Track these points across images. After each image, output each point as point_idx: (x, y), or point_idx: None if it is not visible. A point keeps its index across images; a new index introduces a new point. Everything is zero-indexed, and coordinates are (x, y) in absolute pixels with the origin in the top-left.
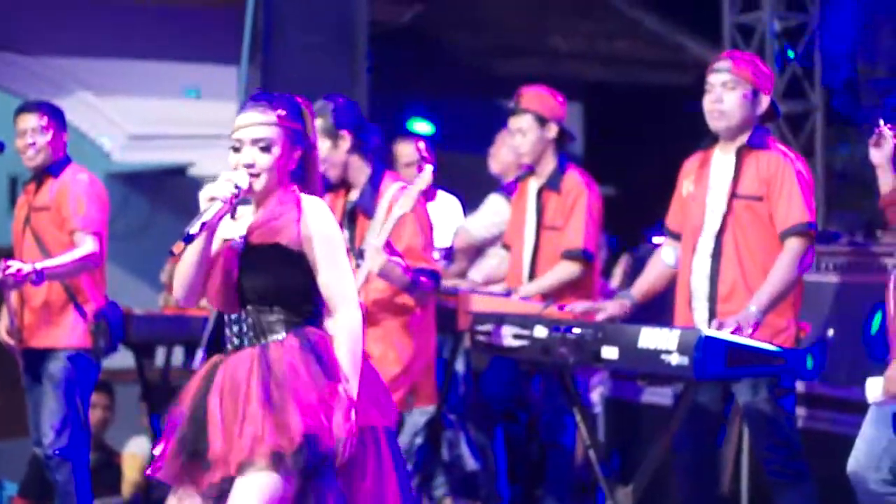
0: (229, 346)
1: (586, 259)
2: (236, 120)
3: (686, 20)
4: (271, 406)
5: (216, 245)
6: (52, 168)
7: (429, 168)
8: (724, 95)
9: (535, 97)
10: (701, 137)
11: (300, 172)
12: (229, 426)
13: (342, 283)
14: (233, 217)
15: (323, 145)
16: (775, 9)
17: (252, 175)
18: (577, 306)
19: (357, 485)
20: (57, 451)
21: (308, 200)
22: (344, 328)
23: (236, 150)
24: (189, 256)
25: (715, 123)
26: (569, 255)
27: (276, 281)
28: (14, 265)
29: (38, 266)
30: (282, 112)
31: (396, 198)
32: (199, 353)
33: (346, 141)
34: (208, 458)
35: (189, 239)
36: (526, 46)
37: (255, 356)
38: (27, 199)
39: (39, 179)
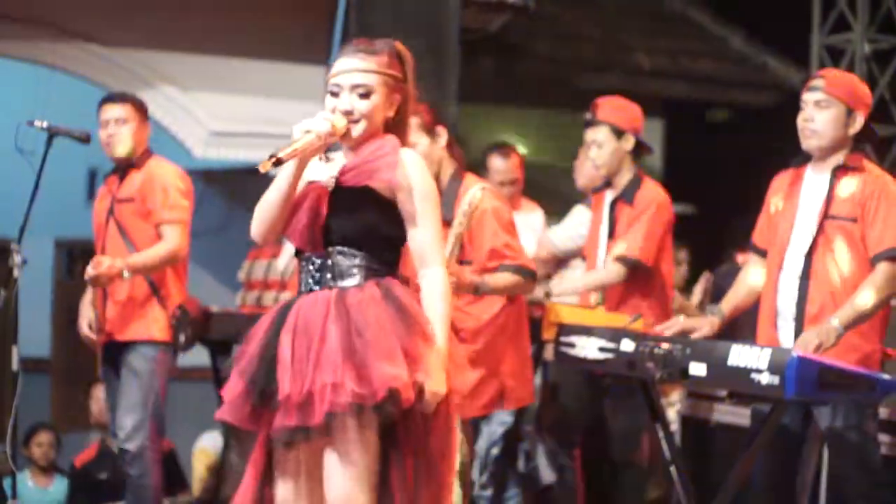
0: (303, 288)
1: (636, 268)
2: (335, 65)
3: (773, 40)
4: (352, 354)
5: (301, 187)
6: (136, 160)
7: (477, 187)
8: (816, 114)
9: (611, 108)
10: (782, 157)
11: (395, 119)
12: (300, 367)
13: (436, 241)
14: (323, 160)
15: (421, 141)
16: (866, 31)
17: (351, 121)
18: (669, 328)
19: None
20: (133, 446)
21: (408, 153)
22: (436, 286)
23: (334, 94)
24: (273, 191)
25: (806, 142)
26: (618, 259)
27: (364, 224)
28: (105, 261)
29: (129, 261)
30: (383, 59)
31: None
32: None
33: (442, 137)
34: (278, 400)
35: (277, 162)
36: (608, 61)
37: (333, 299)
38: (109, 190)
39: (123, 171)
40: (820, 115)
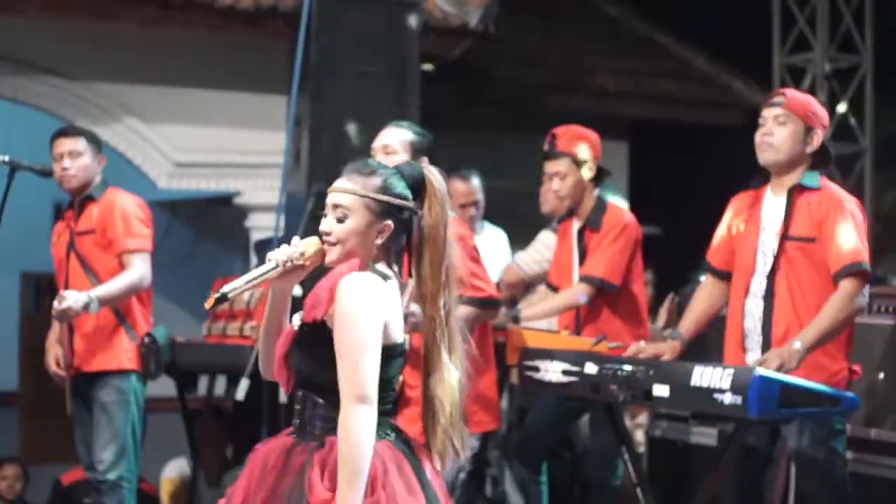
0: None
1: (601, 288)
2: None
3: (735, 61)
4: None
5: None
6: (92, 192)
7: None
8: (775, 129)
9: (569, 138)
10: (748, 178)
11: (399, 246)
12: None
13: (350, 376)
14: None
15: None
16: (826, 50)
17: (328, 244)
18: (631, 349)
19: None
20: (113, 476)
21: (346, 280)
22: (343, 428)
23: (325, 215)
24: (263, 325)
25: (763, 156)
26: (583, 279)
27: (318, 363)
28: (70, 295)
29: (93, 294)
30: (372, 181)
31: None
32: (243, 383)
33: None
34: None
35: (221, 298)
36: (573, 84)
37: (302, 468)
38: (67, 224)
39: (81, 204)
40: (778, 130)
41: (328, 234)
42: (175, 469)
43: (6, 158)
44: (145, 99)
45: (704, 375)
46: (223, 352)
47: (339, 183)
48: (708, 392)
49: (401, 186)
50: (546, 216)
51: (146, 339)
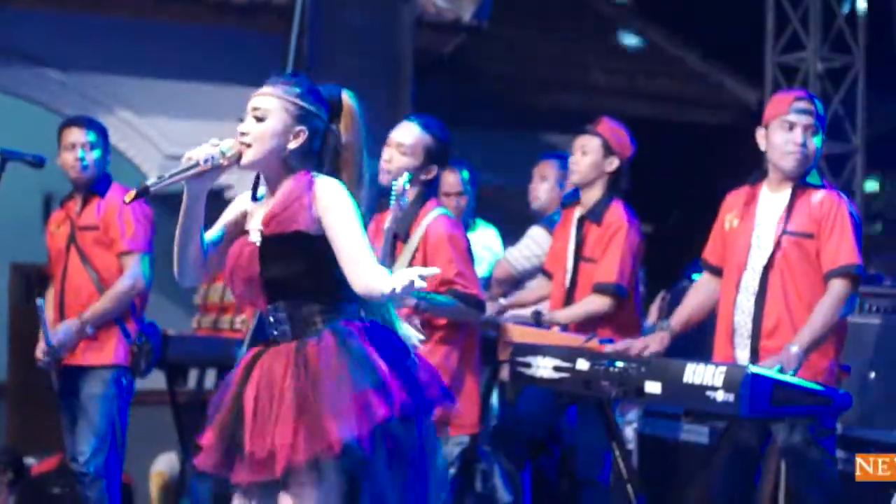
0: (268, 336)
1: (618, 294)
2: None
3: (728, 59)
4: (306, 412)
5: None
6: (98, 186)
7: (401, 179)
8: (808, 140)
9: (610, 127)
10: (739, 176)
11: (314, 158)
12: (262, 425)
13: (357, 244)
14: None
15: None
16: (819, 49)
17: (243, 144)
18: (619, 345)
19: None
20: (93, 469)
21: (321, 181)
22: (363, 287)
23: (242, 120)
24: (179, 229)
25: (791, 166)
26: (599, 289)
27: (301, 271)
28: (69, 326)
29: (85, 317)
30: (292, 87)
31: (432, 226)
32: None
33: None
34: (243, 453)
35: (144, 191)
36: (566, 81)
37: (291, 354)
38: (68, 215)
39: (84, 197)
40: (811, 140)
41: (245, 133)
42: (165, 462)
43: None
44: (137, 91)
45: (697, 373)
46: (213, 345)
47: (263, 88)
48: (700, 389)
49: (317, 97)
50: (535, 213)
51: (138, 338)
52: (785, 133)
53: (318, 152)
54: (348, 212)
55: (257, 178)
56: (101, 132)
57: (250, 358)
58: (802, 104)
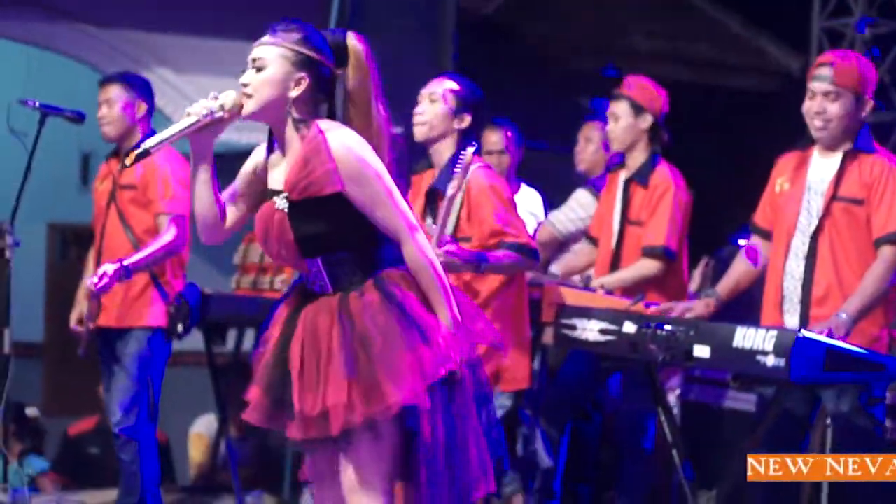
0: (308, 288)
1: (667, 257)
2: None
3: (772, 24)
4: (357, 372)
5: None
6: (139, 145)
7: (469, 149)
8: (827, 106)
9: (635, 85)
10: (782, 142)
11: (322, 106)
12: (310, 383)
13: (393, 216)
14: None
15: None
16: (866, 14)
17: (245, 95)
18: (662, 307)
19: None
20: (124, 430)
21: (334, 138)
22: (414, 261)
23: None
24: (197, 191)
25: (817, 133)
26: (649, 252)
27: (335, 230)
28: (102, 270)
29: (126, 262)
30: (291, 35)
31: (456, 178)
32: None
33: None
34: (292, 410)
35: (143, 153)
36: (605, 44)
37: (335, 309)
38: (111, 171)
39: (126, 156)
40: (831, 106)
41: (246, 84)
42: (204, 424)
43: (37, 103)
44: (176, 49)
45: (747, 337)
46: (253, 305)
47: (263, 38)
48: (750, 354)
49: (319, 42)
50: (581, 175)
51: (176, 299)
52: (808, 101)
53: (326, 100)
54: (372, 179)
55: (271, 131)
56: (140, 88)
57: (290, 312)
58: (821, 70)
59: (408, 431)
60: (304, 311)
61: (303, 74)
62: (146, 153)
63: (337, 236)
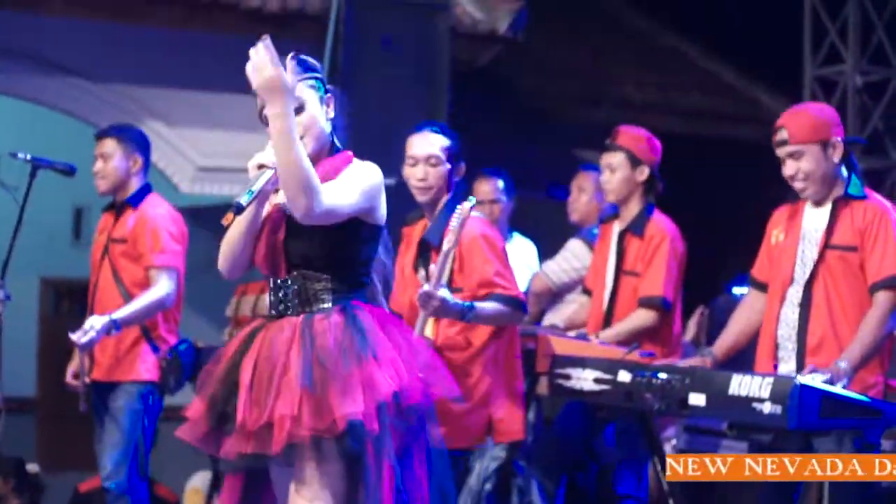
0: (272, 312)
1: (664, 307)
2: None
3: (764, 74)
4: (312, 385)
5: (267, 209)
6: (132, 198)
7: (467, 204)
8: (799, 166)
9: (631, 136)
10: (775, 192)
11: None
12: (258, 395)
13: (334, 183)
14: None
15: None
16: (858, 63)
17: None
18: (659, 364)
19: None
20: (114, 486)
21: (360, 163)
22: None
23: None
24: (238, 226)
25: (802, 194)
26: (646, 303)
27: (324, 244)
28: (89, 324)
29: (114, 316)
30: (298, 69)
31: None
32: None
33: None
34: (234, 424)
35: (239, 210)
36: (598, 95)
37: (298, 327)
38: (105, 226)
39: (119, 209)
40: (802, 164)
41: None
42: (200, 480)
43: (28, 156)
44: (169, 102)
45: (743, 384)
46: None
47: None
48: (746, 401)
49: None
50: (574, 225)
51: (168, 354)
52: (783, 167)
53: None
54: (364, 175)
55: None
56: (122, 139)
57: (249, 331)
58: (779, 135)
59: (350, 454)
60: (265, 329)
61: (329, 96)
62: (242, 208)
63: (323, 255)
